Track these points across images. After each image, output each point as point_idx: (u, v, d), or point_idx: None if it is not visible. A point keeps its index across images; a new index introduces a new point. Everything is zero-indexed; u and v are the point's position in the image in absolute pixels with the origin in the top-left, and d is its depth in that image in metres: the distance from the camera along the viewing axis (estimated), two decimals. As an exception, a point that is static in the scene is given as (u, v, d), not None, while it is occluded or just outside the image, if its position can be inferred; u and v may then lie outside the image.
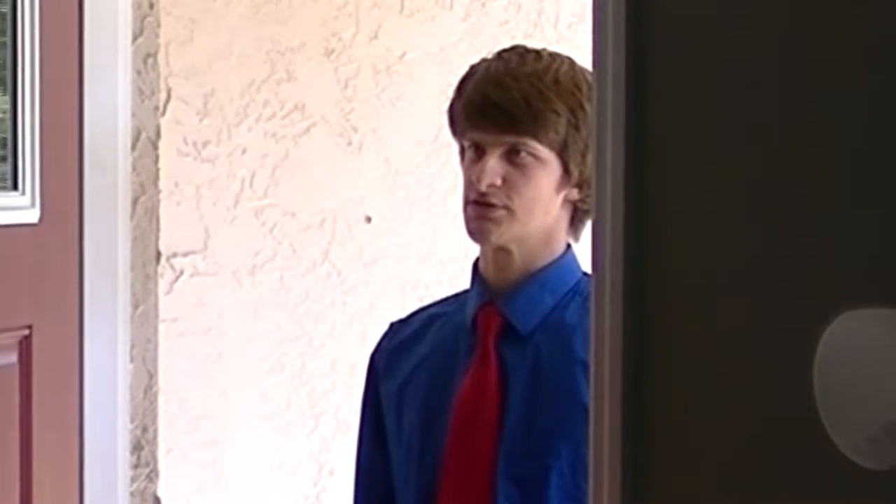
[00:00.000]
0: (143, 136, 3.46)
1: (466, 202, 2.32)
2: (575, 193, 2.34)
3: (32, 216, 3.15)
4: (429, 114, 3.48)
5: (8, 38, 3.21)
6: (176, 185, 3.52)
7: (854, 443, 1.44)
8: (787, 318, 1.47)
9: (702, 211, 1.57)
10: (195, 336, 3.60)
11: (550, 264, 2.37)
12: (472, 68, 2.41)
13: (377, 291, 3.70)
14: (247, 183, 3.60)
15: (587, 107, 2.31)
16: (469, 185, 2.31)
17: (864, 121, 1.44)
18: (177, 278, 3.54)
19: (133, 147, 3.41)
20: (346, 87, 3.68)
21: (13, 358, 3.11)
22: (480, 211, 2.30)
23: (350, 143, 3.70)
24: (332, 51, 3.65)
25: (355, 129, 3.69)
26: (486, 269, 2.38)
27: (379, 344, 2.54)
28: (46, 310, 3.24)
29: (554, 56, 2.39)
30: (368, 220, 3.69)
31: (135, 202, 3.44)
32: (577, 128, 2.31)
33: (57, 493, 3.27)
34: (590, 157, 2.19)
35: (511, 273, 2.36)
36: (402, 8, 3.69)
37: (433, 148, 3.59)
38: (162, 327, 3.54)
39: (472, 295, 2.42)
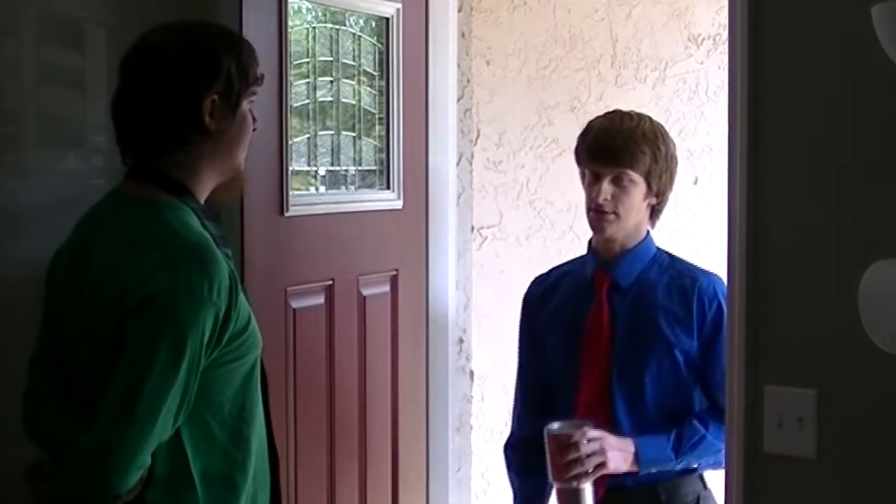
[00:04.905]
0: (463, 157, 4.10)
1: (589, 209, 2.85)
2: (653, 200, 2.87)
3: (398, 205, 3.64)
4: (631, 144, 4.15)
5: (384, 98, 3.59)
6: (482, 186, 4.23)
7: (882, 338, 2.08)
8: (843, 264, 2.13)
9: (787, 209, 2.24)
10: (493, 276, 4.24)
11: (639, 244, 2.88)
12: (590, 125, 2.91)
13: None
14: (524, 185, 4.32)
15: (662, 147, 2.82)
16: (590, 198, 2.84)
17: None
18: (483, 242, 4.24)
19: (457, 164, 4.02)
20: (582, 128, 4.02)
21: (387, 288, 3.59)
22: (599, 216, 2.83)
23: (585, 162, 4.23)
24: (574, 107, 4.31)
25: (588, 153, 4.23)
26: (599, 247, 2.91)
27: (530, 289, 3.05)
28: (406, 259, 3.69)
29: (641, 116, 2.88)
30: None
31: (458, 196, 4.05)
32: (655, 160, 2.82)
33: (413, 365, 3.73)
34: (664, 178, 2.82)
35: (615, 250, 2.88)
36: (616, 82, 4.34)
37: (634, 164, 4.29)
38: (474, 270, 4.13)
39: (588, 262, 2.93)
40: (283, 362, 3.12)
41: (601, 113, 3.95)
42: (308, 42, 3.31)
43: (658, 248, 2.90)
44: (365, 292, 3.51)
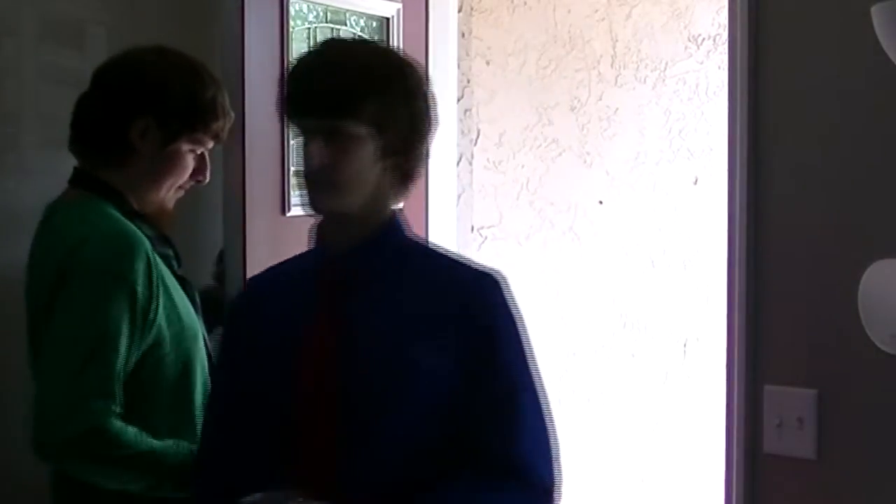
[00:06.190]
0: (464, 157, 4.10)
1: (304, 179, 2.06)
2: (398, 160, 2.05)
3: (398, 205, 3.22)
4: (631, 143, 4.26)
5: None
6: (482, 186, 4.19)
7: (882, 338, 2.09)
8: (843, 264, 2.14)
9: (787, 209, 2.22)
10: (493, 276, 4.25)
11: (379, 228, 2.08)
12: (292, 65, 2.11)
13: (604, 247, 4.34)
14: (524, 185, 4.28)
15: (396, 85, 2.04)
16: (301, 164, 2.06)
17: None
18: (483, 242, 4.21)
19: (458, 164, 4.01)
20: (582, 129, 4.33)
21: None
22: (314, 187, 2.04)
23: (585, 162, 4.33)
24: (574, 107, 4.31)
25: (588, 154, 4.35)
26: (326, 233, 2.12)
27: (237, 296, 2.39)
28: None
29: (366, 43, 2.21)
30: (601, 202, 4.36)
31: (459, 196, 4.02)
32: (388, 104, 2.02)
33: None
34: (405, 126, 2.02)
35: (346, 236, 2.08)
36: (616, 82, 4.32)
37: (635, 163, 4.32)
38: (473, 271, 4.09)
39: (314, 255, 2.15)
40: (283, 362, 3.12)
41: (599, 111, 4.06)
42: (308, 42, 3.29)
43: (410, 238, 2.13)
44: (365, 292, 3.47)
